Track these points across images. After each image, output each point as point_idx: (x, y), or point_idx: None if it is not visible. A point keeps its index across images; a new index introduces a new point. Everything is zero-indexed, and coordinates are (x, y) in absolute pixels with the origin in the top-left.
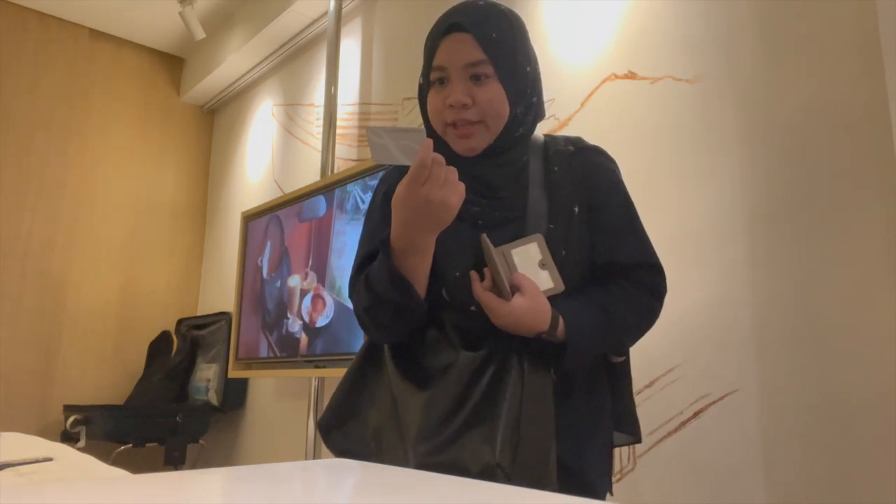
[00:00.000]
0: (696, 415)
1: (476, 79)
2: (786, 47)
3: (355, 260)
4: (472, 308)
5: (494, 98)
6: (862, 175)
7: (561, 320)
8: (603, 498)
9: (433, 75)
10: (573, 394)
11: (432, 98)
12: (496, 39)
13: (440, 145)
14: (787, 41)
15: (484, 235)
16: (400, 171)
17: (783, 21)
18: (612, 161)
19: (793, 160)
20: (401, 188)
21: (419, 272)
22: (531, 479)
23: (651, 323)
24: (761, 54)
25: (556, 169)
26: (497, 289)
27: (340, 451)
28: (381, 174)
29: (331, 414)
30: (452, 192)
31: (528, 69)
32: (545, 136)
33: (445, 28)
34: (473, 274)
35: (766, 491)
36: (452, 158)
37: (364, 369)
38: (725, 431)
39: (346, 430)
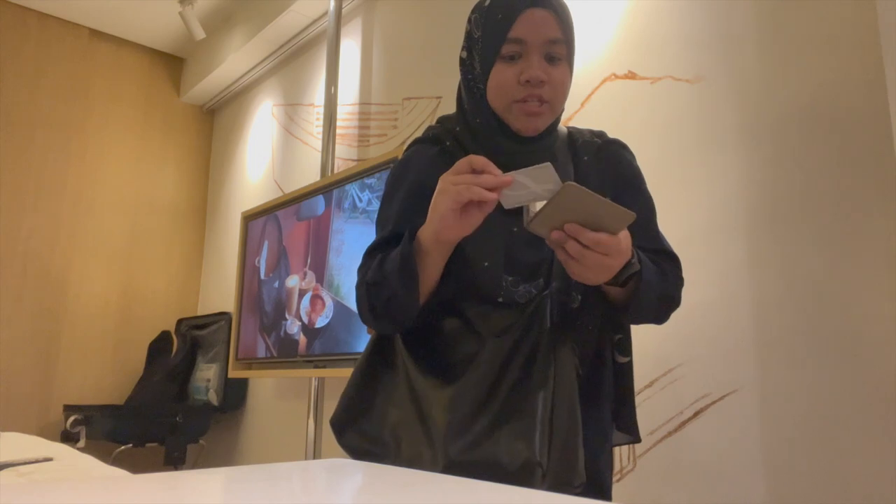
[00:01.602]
0: (696, 415)
1: (551, 59)
2: (786, 47)
3: (377, 236)
4: (500, 299)
5: (565, 81)
6: (862, 175)
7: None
8: (610, 499)
9: (507, 49)
10: (599, 396)
11: (501, 72)
12: (570, 23)
13: (493, 130)
14: (787, 41)
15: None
16: (425, 150)
17: (783, 21)
18: (634, 157)
19: (793, 160)
20: (441, 184)
21: (428, 272)
22: (565, 473)
23: (678, 301)
24: (761, 54)
25: (585, 158)
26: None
27: (355, 451)
28: (380, 174)
29: (343, 412)
30: (465, 222)
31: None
32: (567, 127)
33: (529, 1)
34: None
35: (766, 491)
36: (500, 144)
37: (374, 365)
38: (725, 431)
39: (361, 429)
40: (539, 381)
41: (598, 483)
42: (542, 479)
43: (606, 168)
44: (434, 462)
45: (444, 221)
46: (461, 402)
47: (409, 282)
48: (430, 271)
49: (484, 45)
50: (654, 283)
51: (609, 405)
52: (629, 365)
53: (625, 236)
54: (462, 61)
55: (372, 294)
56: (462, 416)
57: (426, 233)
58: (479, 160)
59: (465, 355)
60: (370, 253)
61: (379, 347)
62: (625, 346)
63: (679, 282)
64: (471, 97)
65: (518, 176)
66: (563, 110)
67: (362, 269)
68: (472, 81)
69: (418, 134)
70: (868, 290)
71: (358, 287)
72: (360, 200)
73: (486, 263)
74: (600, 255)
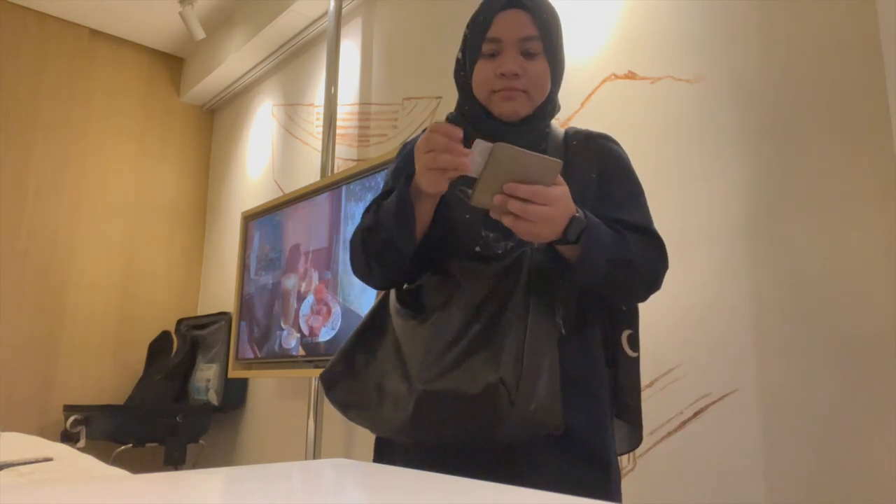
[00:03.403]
0: (696, 415)
1: (527, 54)
2: (786, 47)
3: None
4: (478, 248)
5: (542, 73)
6: (862, 174)
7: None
8: (613, 471)
9: (486, 47)
10: (591, 361)
11: (482, 68)
12: (546, 20)
13: (480, 115)
14: (787, 41)
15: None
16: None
17: (783, 21)
18: (625, 152)
19: (793, 160)
20: (422, 137)
21: (420, 216)
22: (539, 410)
23: (655, 276)
24: (761, 54)
25: (574, 143)
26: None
27: (341, 403)
28: (381, 174)
29: (333, 369)
30: (430, 181)
31: (562, 55)
32: (564, 129)
33: (504, 3)
34: (514, 186)
35: (766, 491)
36: (487, 126)
37: (368, 330)
38: (725, 431)
39: (348, 384)
40: (512, 321)
41: (602, 458)
42: (510, 405)
43: (593, 156)
44: (409, 395)
45: (427, 179)
46: (436, 339)
47: (405, 218)
48: (422, 215)
49: (470, 45)
50: (606, 243)
51: (605, 375)
52: (637, 360)
53: (561, 189)
54: (457, 61)
55: (367, 239)
56: (436, 351)
57: (418, 182)
58: (454, 131)
59: (442, 300)
60: (367, 208)
61: (375, 313)
62: (634, 342)
63: (654, 258)
64: (461, 91)
65: (474, 149)
66: (549, 101)
67: (361, 219)
68: (464, 78)
69: (418, 134)
70: (868, 290)
71: (353, 236)
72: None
73: (466, 216)
74: (540, 206)
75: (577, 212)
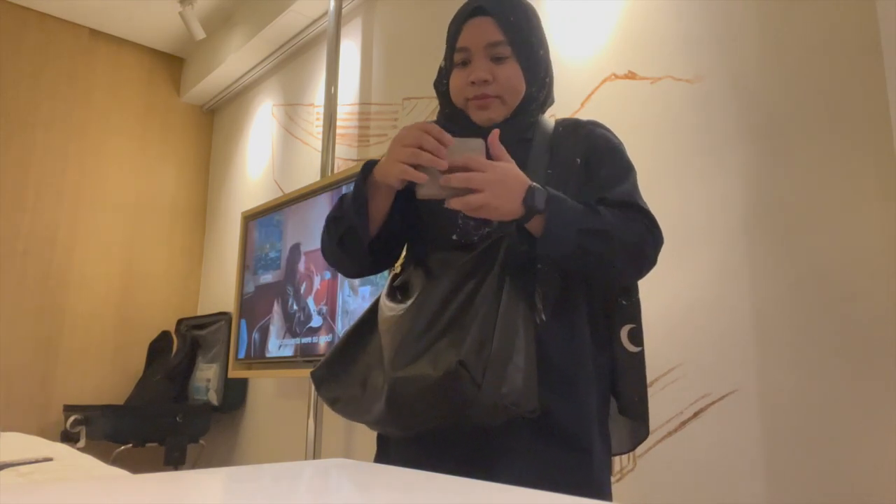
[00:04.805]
0: (696, 415)
1: (496, 59)
2: (786, 47)
3: None
4: (454, 236)
5: (512, 76)
6: (862, 174)
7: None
8: (595, 456)
9: (457, 57)
10: (576, 347)
11: (455, 77)
12: (514, 23)
13: (461, 118)
14: (787, 41)
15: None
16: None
17: (783, 20)
18: (617, 138)
19: (793, 160)
20: (403, 131)
21: (377, 205)
22: (509, 389)
23: (641, 248)
24: (761, 54)
25: (560, 129)
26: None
27: (331, 399)
28: None
29: (325, 366)
30: (399, 173)
31: (542, 52)
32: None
33: (469, 12)
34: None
35: (766, 491)
36: (467, 128)
37: (360, 325)
38: (725, 431)
39: (338, 380)
40: (484, 304)
41: (584, 443)
42: (475, 387)
43: (580, 141)
44: (384, 384)
45: (398, 170)
46: (409, 327)
47: (360, 208)
48: (380, 206)
49: (446, 55)
50: (574, 211)
51: (593, 364)
52: (641, 354)
53: (499, 163)
54: (439, 70)
55: (331, 228)
56: (408, 339)
57: (379, 172)
58: (446, 136)
59: (419, 290)
60: (339, 199)
61: (368, 311)
62: (636, 336)
63: (637, 229)
64: (441, 99)
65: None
66: (530, 100)
67: (329, 212)
68: (445, 86)
69: None
70: (868, 290)
71: (324, 225)
72: None
73: (443, 205)
74: (479, 172)
75: (534, 183)
